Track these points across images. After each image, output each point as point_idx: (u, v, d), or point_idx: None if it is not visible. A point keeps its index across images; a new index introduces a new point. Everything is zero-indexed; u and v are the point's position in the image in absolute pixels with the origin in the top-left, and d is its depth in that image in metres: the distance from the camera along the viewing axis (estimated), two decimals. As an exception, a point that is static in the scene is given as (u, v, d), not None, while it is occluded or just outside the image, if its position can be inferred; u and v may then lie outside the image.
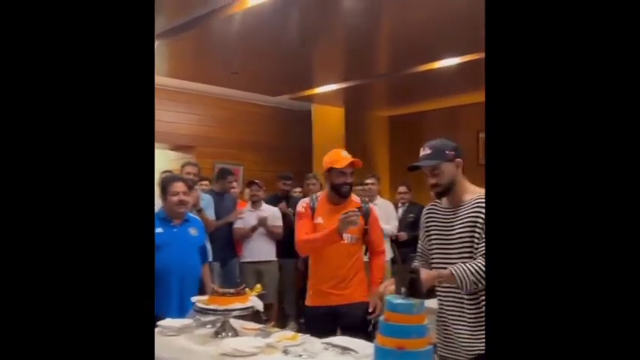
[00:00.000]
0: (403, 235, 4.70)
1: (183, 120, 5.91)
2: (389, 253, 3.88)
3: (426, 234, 2.02)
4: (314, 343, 1.94)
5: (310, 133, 6.94)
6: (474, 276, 1.74)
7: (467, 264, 1.77)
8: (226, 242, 4.56)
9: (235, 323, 2.15)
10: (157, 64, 4.58)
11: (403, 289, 1.55)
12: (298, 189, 5.43)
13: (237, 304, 2.06)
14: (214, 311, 2.06)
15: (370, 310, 2.50)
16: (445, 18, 3.67)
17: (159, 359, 1.63)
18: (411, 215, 4.90)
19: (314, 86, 5.78)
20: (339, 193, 2.53)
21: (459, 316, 1.86)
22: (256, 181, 4.80)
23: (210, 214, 4.25)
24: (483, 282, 1.75)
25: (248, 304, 2.10)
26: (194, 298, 2.21)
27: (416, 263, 2.02)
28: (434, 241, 1.96)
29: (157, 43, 3.98)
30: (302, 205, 2.61)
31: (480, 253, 1.78)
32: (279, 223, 4.75)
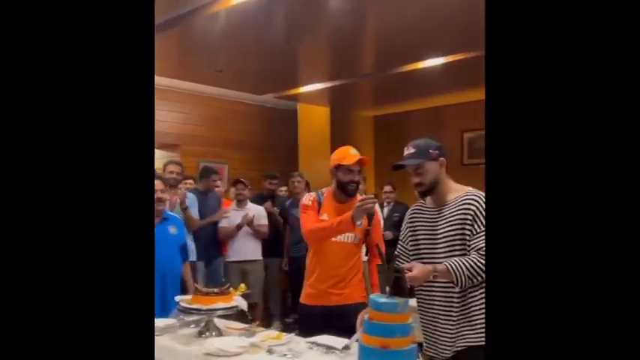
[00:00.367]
0: (388, 235, 4.70)
1: (167, 118, 5.86)
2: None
3: (411, 234, 2.02)
4: (299, 342, 1.94)
5: (296, 132, 6.93)
6: (469, 271, 1.76)
7: (462, 259, 1.79)
8: (211, 241, 4.54)
9: (220, 323, 2.14)
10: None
11: (387, 288, 1.55)
12: (284, 188, 5.42)
13: (221, 304, 2.05)
14: (198, 311, 2.05)
15: None
16: (430, 18, 3.69)
17: None
18: (396, 215, 4.92)
19: (299, 85, 5.77)
20: (345, 191, 2.48)
21: (448, 311, 1.88)
22: (242, 180, 4.78)
23: (194, 212, 4.23)
24: (478, 277, 1.77)
25: (232, 303, 2.09)
26: (177, 298, 2.19)
27: (400, 263, 2.03)
28: (421, 241, 1.97)
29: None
30: (309, 198, 2.55)
31: (474, 249, 1.79)
32: (265, 222, 4.74)
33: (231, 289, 2.17)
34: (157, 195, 2.58)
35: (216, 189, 4.80)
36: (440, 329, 1.90)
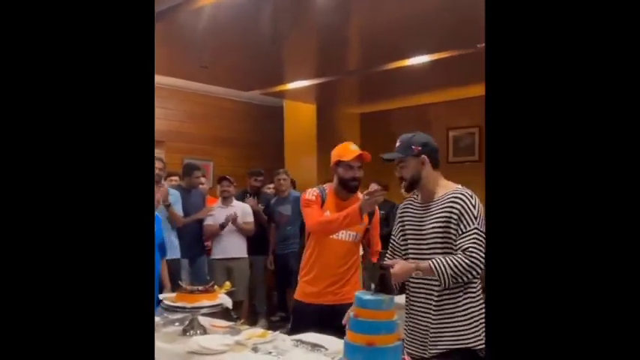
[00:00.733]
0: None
1: (152, 114, 5.79)
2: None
3: (401, 229, 2.03)
4: (284, 340, 1.93)
5: (282, 130, 6.91)
6: (453, 270, 1.76)
7: (447, 258, 1.79)
8: (195, 239, 4.50)
9: (204, 321, 2.12)
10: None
11: (373, 285, 1.55)
12: (271, 185, 5.39)
13: (206, 302, 2.04)
14: (182, 309, 2.03)
15: None
16: (415, 16, 3.70)
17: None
18: (382, 212, 4.92)
19: (285, 82, 5.75)
20: (346, 188, 2.45)
21: (426, 310, 1.89)
22: (227, 177, 4.74)
23: (177, 209, 4.19)
24: (464, 277, 1.77)
25: (216, 301, 2.07)
26: (161, 296, 2.17)
27: (387, 260, 2.03)
28: (408, 236, 1.98)
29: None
30: (312, 193, 2.50)
31: (460, 248, 1.80)
32: (251, 219, 4.72)
33: (216, 286, 2.15)
34: None
35: (201, 186, 4.76)
36: (418, 327, 1.91)
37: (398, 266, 1.78)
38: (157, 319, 2.15)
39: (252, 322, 4.49)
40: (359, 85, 6.08)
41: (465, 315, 1.83)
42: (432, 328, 1.85)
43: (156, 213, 2.90)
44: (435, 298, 1.86)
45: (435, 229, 1.87)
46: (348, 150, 2.46)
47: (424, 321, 1.89)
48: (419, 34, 4.11)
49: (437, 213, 1.88)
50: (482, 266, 1.77)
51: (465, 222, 1.81)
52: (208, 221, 4.56)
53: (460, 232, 1.81)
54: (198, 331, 2.01)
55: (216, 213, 4.59)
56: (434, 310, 1.86)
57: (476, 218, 1.81)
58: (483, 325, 1.83)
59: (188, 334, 2.00)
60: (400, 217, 2.04)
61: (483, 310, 1.86)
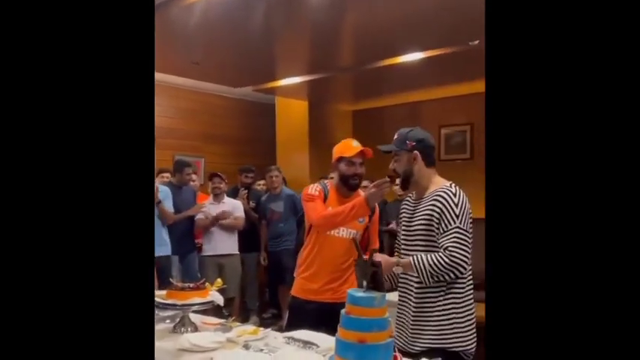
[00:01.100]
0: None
1: (142, 110, 5.76)
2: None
3: (400, 225, 2.06)
4: (275, 337, 1.92)
5: (274, 126, 6.89)
6: (432, 267, 1.76)
7: (428, 255, 1.79)
8: (185, 235, 4.48)
9: (195, 318, 2.11)
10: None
11: (364, 283, 1.55)
12: (262, 181, 5.38)
13: (197, 299, 2.02)
14: (173, 306, 2.02)
15: None
16: (409, 13, 3.70)
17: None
18: (373, 209, 4.94)
19: (277, 78, 5.72)
20: (347, 185, 2.43)
21: (407, 306, 1.90)
22: (218, 173, 4.73)
23: (168, 206, 4.17)
24: (445, 276, 1.77)
25: (207, 298, 2.06)
26: (152, 293, 2.16)
27: (377, 257, 2.03)
28: (402, 232, 2.01)
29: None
30: (315, 188, 2.48)
31: (442, 247, 1.79)
32: (242, 214, 4.71)
33: (207, 283, 2.14)
34: None
35: (192, 183, 4.74)
36: (402, 322, 1.93)
37: (381, 260, 1.79)
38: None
39: (244, 319, 4.48)
40: (351, 82, 6.07)
41: (447, 315, 1.83)
42: (411, 325, 1.87)
43: None
44: (414, 295, 1.87)
45: (419, 227, 1.88)
46: (349, 146, 2.45)
47: (405, 317, 1.91)
48: (412, 32, 4.11)
49: (423, 210, 1.89)
50: (465, 266, 1.77)
51: (445, 220, 1.81)
52: (200, 216, 4.54)
53: (442, 231, 1.81)
54: (189, 329, 2.00)
55: (207, 210, 4.57)
56: (413, 307, 1.87)
57: (457, 217, 1.80)
58: (468, 327, 1.83)
59: (179, 331, 1.99)
60: (400, 213, 2.07)
61: (470, 312, 1.86)
